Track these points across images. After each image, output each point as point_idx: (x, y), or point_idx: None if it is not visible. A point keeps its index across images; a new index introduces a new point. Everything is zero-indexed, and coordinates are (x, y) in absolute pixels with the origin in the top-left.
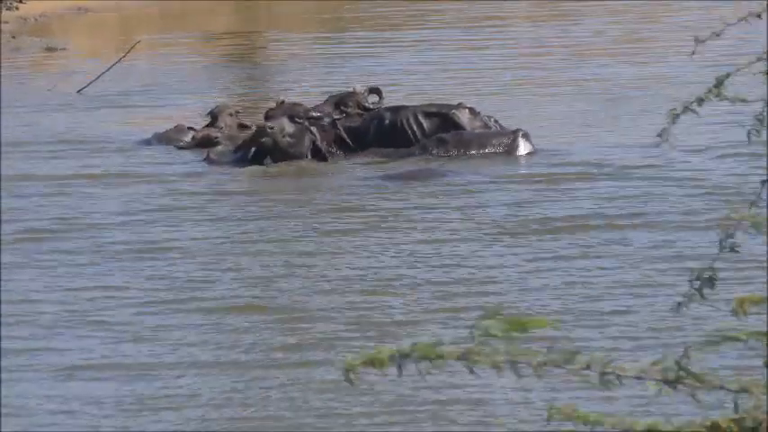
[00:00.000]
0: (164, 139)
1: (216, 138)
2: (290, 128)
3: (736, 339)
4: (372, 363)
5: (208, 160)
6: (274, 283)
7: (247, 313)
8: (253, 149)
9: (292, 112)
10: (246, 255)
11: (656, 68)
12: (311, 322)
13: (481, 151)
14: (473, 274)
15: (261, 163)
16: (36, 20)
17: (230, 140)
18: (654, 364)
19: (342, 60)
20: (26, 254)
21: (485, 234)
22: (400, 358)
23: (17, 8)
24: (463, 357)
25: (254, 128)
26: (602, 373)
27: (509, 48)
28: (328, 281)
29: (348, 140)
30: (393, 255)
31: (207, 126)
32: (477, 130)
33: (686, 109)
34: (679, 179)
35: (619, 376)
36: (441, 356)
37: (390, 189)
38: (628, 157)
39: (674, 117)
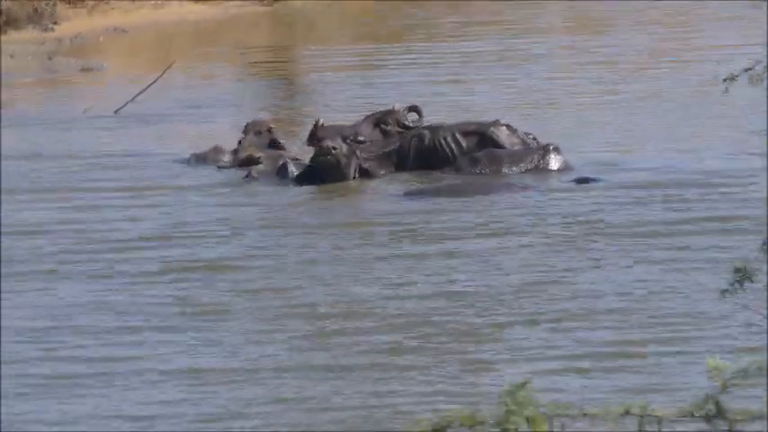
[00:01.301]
0: (202, 159)
1: (258, 157)
2: (344, 149)
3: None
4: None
5: (249, 178)
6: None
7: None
8: (293, 168)
9: (343, 134)
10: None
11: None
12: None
13: (513, 168)
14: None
15: (305, 183)
16: (71, 41)
17: (270, 159)
18: (695, 404)
19: (379, 75)
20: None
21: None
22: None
23: (53, 29)
24: (501, 422)
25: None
26: (642, 417)
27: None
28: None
29: (368, 169)
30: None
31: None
32: (515, 147)
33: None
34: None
35: (659, 419)
36: (480, 423)
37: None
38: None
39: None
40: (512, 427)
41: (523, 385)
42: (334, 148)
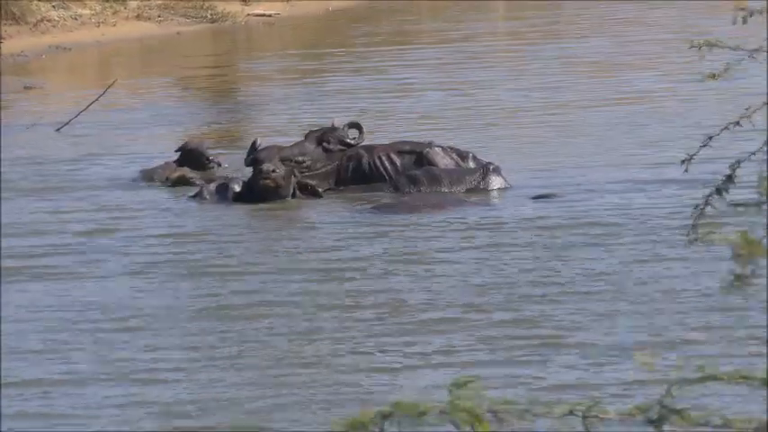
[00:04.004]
0: (149, 176)
1: (191, 177)
2: (281, 170)
3: (716, 379)
4: (355, 426)
5: (200, 197)
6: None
7: None
8: (234, 186)
9: (282, 154)
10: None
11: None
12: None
13: (454, 188)
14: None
15: (246, 201)
16: (14, 59)
17: (205, 179)
18: (637, 407)
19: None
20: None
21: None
22: (383, 419)
23: None
24: (445, 412)
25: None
26: (585, 417)
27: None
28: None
29: (311, 186)
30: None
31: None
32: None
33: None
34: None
35: (602, 419)
36: (423, 413)
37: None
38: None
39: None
40: (456, 420)
41: (467, 383)
42: (273, 171)
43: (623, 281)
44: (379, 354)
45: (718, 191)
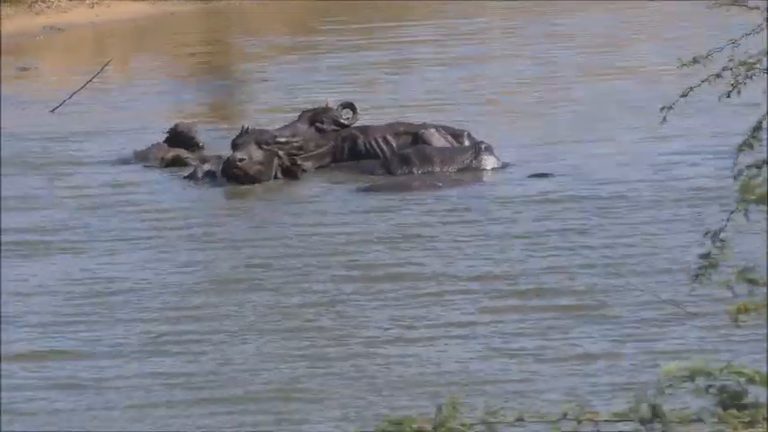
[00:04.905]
0: (142, 157)
1: (186, 158)
2: (258, 155)
3: (710, 374)
4: None
5: (194, 178)
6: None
7: None
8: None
9: (259, 139)
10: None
11: None
12: None
13: (446, 168)
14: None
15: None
16: (8, 40)
17: (200, 159)
18: (630, 408)
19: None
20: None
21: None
22: None
23: None
24: (437, 425)
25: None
26: (579, 421)
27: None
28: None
29: (304, 166)
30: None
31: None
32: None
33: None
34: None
35: (595, 422)
36: (415, 430)
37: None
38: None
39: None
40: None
41: (454, 405)
42: (241, 160)
43: (628, 253)
44: (396, 325)
45: (748, 143)
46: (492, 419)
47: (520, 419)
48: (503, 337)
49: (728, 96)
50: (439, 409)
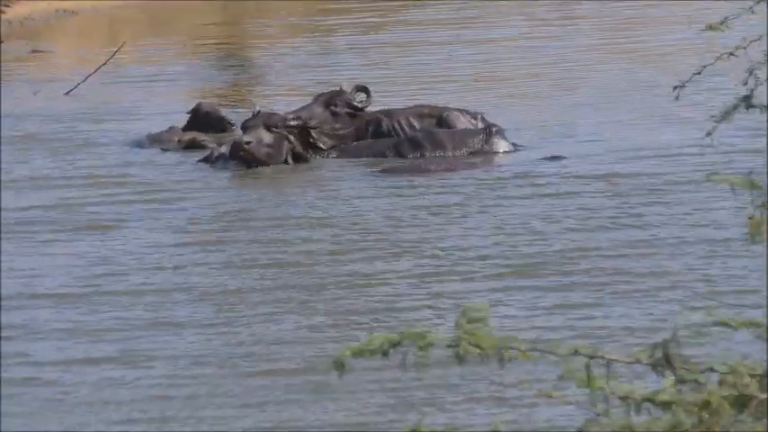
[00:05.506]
0: (157, 140)
1: (203, 140)
2: (268, 138)
3: (726, 325)
4: (362, 353)
5: (209, 161)
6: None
7: None
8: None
9: (269, 122)
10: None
11: None
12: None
13: (457, 151)
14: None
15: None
16: (22, 23)
17: (216, 142)
18: (642, 350)
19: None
20: None
21: None
22: (390, 347)
23: (4, 12)
24: (452, 344)
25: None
26: (590, 358)
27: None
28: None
29: (320, 145)
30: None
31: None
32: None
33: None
34: None
35: (608, 360)
36: (430, 343)
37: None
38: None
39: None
40: (462, 350)
41: (479, 310)
42: (248, 143)
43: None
44: (424, 300)
45: (746, 98)
46: (506, 344)
47: (533, 349)
48: (528, 313)
49: (745, 84)
50: (457, 323)
